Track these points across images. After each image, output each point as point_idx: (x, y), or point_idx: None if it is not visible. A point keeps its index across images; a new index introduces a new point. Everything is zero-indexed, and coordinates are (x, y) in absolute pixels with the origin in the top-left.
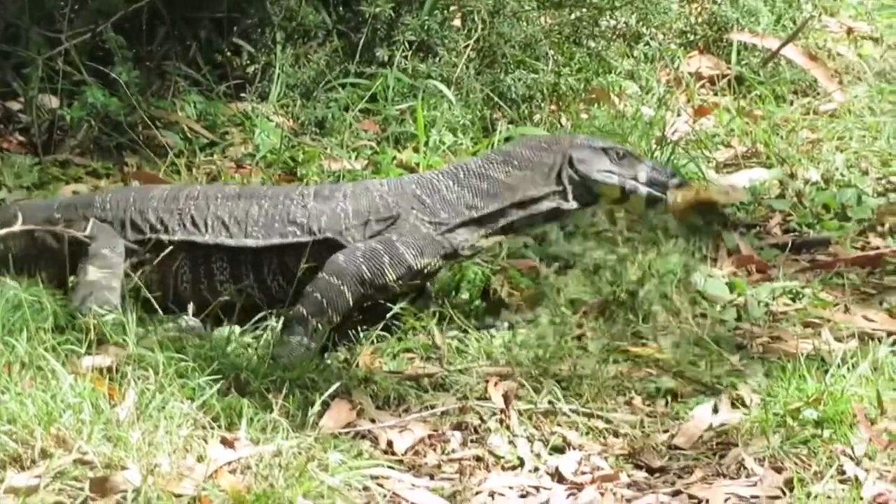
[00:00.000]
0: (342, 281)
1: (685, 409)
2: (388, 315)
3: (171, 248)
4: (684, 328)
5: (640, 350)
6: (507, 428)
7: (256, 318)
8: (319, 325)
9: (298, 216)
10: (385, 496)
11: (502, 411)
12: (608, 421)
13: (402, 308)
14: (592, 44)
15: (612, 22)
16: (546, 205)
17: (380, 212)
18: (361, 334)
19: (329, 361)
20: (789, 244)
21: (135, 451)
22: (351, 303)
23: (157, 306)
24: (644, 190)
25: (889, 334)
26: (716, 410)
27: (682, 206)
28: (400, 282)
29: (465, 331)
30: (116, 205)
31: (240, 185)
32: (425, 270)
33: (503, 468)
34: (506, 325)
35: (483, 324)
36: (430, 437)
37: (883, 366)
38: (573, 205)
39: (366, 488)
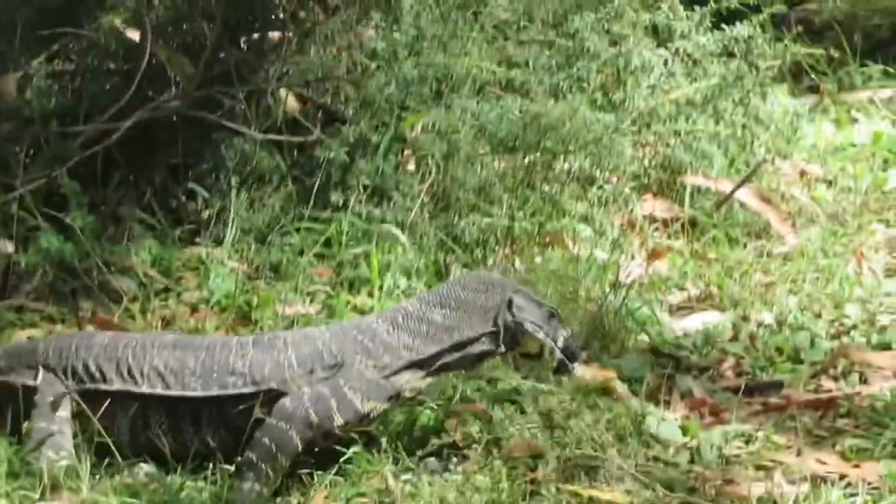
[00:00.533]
0: (290, 425)
1: None
2: (342, 460)
3: (108, 398)
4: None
5: (596, 493)
6: None
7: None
8: (269, 471)
9: (239, 366)
10: None
11: None
12: None
13: (354, 452)
14: (546, 188)
15: (566, 165)
16: (479, 347)
17: (324, 359)
18: (315, 479)
19: None
20: (742, 387)
21: None
22: (300, 447)
23: (115, 451)
24: (558, 354)
25: (841, 477)
26: None
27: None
28: (347, 426)
29: (418, 475)
30: (59, 352)
31: (177, 335)
32: (371, 414)
33: None
34: (434, 470)
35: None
36: None
37: None
38: (502, 349)
39: None
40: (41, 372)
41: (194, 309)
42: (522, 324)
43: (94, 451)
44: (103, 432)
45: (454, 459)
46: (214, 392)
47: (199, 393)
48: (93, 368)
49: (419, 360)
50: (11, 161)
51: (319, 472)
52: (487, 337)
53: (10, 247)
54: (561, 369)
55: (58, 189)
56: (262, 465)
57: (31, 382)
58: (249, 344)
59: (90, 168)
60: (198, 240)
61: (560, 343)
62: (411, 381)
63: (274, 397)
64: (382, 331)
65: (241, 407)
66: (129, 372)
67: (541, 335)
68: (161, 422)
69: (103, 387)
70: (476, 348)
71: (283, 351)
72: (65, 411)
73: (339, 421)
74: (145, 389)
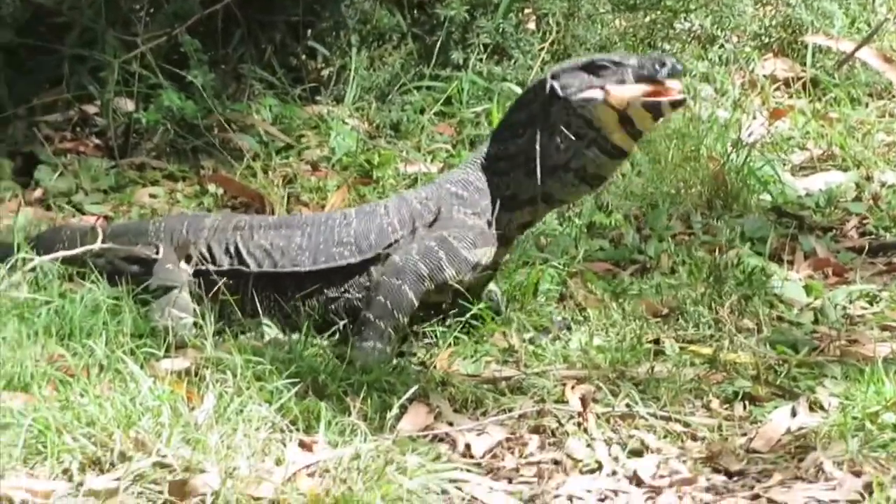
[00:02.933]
0: (402, 280)
1: (763, 413)
2: (467, 316)
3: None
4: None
5: (719, 353)
6: (585, 431)
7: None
8: (388, 328)
9: (345, 237)
10: (463, 499)
11: (580, 414)
12: (686, 424)
13: (479, 310)
14: (667, 46)
15: (687, 24)
16: (564, 156)
17: (424, 216)
18: (439, 336)
19: (406, 364)
20: (866, 247)
21: (213, 454)
22: (415, 301)
23: (236, 309)
24: (638, 101)
25: None
26: (794, 414)
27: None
28: (460, 276)
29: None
30: (170, 234)
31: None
32: (482, 262)
33: (581, 472)
34: (558, 330)
35: (540, 329)
36: (507, 440)
37: None
38: (585, 150)
39: (444, 491)
40: (161, 245)
41: (315, 167)
42: (568, 99)
43: (216, 314)
44: (228, 296)
45: (553, 320)
46: (322, 265)
47: (308, 267)
48: (204, 251)
49: (511, 195)
50: (132, 19)
51: (444, 330)
52: (564, 144)
53: (130, 105)
54: (652, 111)
55: (178, 47)
56: (380, 323)
57: (152, 255)
58: (352, 215)
59: (210, 26)
60: (318, 98)
61: (630, 76)
62: (514, 218)
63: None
64: (472, 177)
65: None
66: (238, 251)
67: (596, 94)
68: (267, 296)
69: (214, 268)
70: (562, 158)
71: (384, 216)
72: (184, 280)
73: (450, 271)
74: (254, 268)
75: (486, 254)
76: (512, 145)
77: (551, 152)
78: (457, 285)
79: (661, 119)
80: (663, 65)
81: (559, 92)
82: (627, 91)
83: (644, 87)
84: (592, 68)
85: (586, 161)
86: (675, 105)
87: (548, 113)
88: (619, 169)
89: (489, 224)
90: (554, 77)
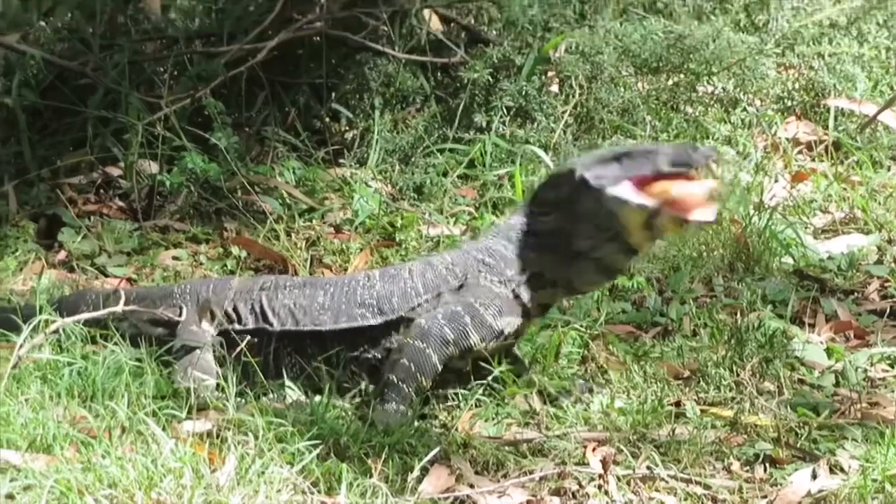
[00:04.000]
0: (427, 343)
1: (783, 475)
2: (488, 379)
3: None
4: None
5: (741, 416)
6: (606, 493)
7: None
8: (411, 391)
9: (367, 298)
10: None
11: (601, 476)
12: (707, 486)
13: (500, 373)
14: (690, 109)
15: (710, 87)
16: (586, 245)
17: (449, 282)
18: (460, 399)
19: (428, 426)
20: (887, 310)
21: None
22: (438, 366)
23: (258, 371)
24: (666, 212)
25: None
26: (814, 476)
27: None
28: (484, 343)
29: (563, 396)
30: (195, 296)
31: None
32: (506, 331)
33: None
34: (580, 392)
35: (562, 391)
36: (528, 502)
37: None
38: (606, 243)
39: None
40: (185, 308)
41: (338, 229)
42: (602, 192)
43: (239, 375)
44: (250, 358)
45: (575, 381)
46: (344, 325)
47: (329, 327)
48: (229, 311)
49: (538, 272)
50: (156, 81)
51: (466, 392)
52: (594, 233)
53: (154, 167)
54: (681, 223)
55: (202, 109)
56: (403, 386)
57: (175, 317)
58: (376, 277)
59: (234, 88)
60: (342, 160)
61: (665, 164)
62: (537, 297)
63: (405, 327)
64: (500, 247)
65: (371, 340)
66: (262, 311)
67: (625, 191)
68: (290, 356)
69: (238, 327)
70: (585, 246)
71: (408, 280)
72: (208, 341)
73: (475, 338)
74: (277, 327)
75: (511, 323)
76: (541, 223)
77: (576, 239)
78: (482, 351)
79: (686, 227)
80: (696, 150)
81: (592, 182)
82: (663, 185)
83: (682, 184)
84: (624, 158)
85: (607, 254)
86: (704, 224)
87: (576, 200)
88: (631, 264)
89: (515, 294)
90: (585, 167)
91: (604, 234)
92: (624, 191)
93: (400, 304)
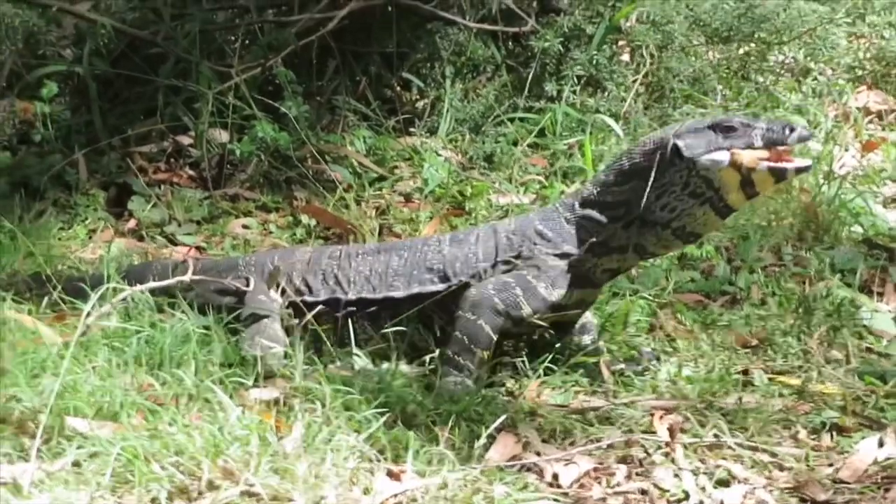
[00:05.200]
0: (477, 315)
1: (850, 444)
2: (556, 347)
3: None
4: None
5: (808, 385)
6: (673, 461)
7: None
8: (469, 363)
9: (435, 263)
10: None
11: (667, 444)
12: (773, 454)
13: (567, 341)
14: (760, 78)
15: (781, 57)
16: (666, 215)
17: (505, 252)
18: (528, 366)
19: (495, 394)
20: None
21: (301, 483)
22: (493, 336)
23: (326, 340)
24: (764, 165)
25: None
26: (881, 445)
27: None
28: (537, 315)
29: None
30: (261, 269)
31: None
32: (563, 302)
33: (668, 501)
34: (647, 362)
35: (629, 361)
36: (595, 470)
37: None
38: (695, 209)
39: None
40: (252, 278)
41: (408, 198)
42: (696, 160)
43: (308, 345)
44: (319, 331)
45: (642, 352)
46: (416, 290)
47: (402, 293)
48: (298, 283)
49: (601, 241)
50: (226, 50)
51: (533, 360)
52: (671, 198)
53: (225, 136)
54: (777, 176)
55: (272, 78)
56: (460, 359)
57: (242, 287)
58: (447, 241)
59: (305, 57)
60: (412, 129)
61: (758, 142)
62: (600, 264)
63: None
64: (562, 218)
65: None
66: (336, 281)
67: (723, 156)
68: (363, 323)
69: (309, 299)
70: (664, 217)
71: (472, 245)
72: (275, 310)
73: (527, 309)
74: (351, 295)
75: (566, 295)
76: (613, 194)
77: (655, 209)
78: (538, 322)
79: (783, 183)
80: (792, 130)
81: (684, 152)
82: (755, 154)
83: (767, 153)
84: (719, 129)
85: (691, 220)
86: (801, 171)
87: (664, 171)
88: (718, 227)
89: (572, 266)
90: (678, 136)
91: (697, 200)
92: (721, 154)
93: (462, 269)
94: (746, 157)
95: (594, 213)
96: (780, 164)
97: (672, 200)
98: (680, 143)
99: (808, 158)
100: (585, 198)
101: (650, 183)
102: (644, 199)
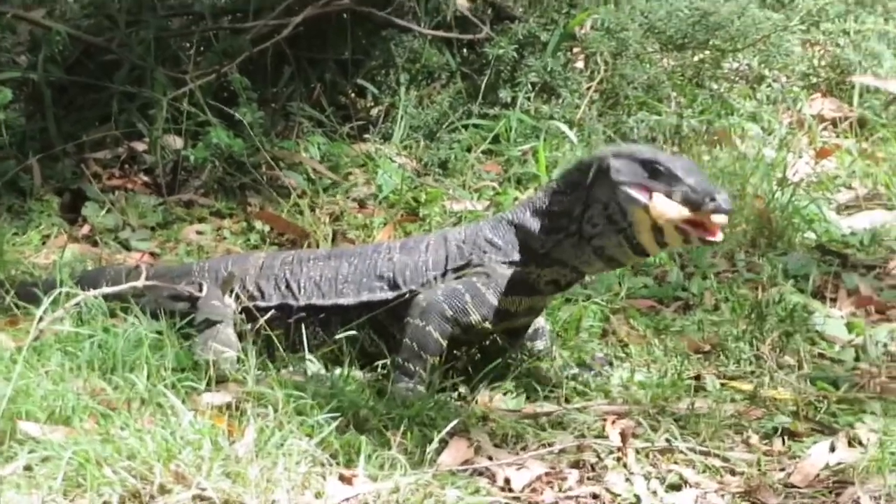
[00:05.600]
0: (426, 321)
1: (802, 448)
2: (507, 354)
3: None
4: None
5: (760, 390)
6: (625, 466)
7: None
8: (419, 369)
9: (385, 271)
10: None
11: (619, 449)
12: (725, 459)
13: (520, 346)
14: (715, 86)
15: (735, 64)
16: (589, 231)
17: (456, 260)
18: (480, 372)
19: (447, 399)
20: None
21: (253, 487)
22: (442, 342)
23: (279, 346)
24: (672, 223)
25: None
26: (832, 449)
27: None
28: (487, 322)
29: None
30: (214, 274)
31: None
32: (512, 310)
33: None
34: (600, 367)
35: (581, 367)
36: (547, 474)
37: None
38: (611, 234)
39: None
40: (205, 284)
41: (362, 205)
42: (616, 185)
43: (260, 349)
44: (272, 336)
45: (594, 357)
46: (365, 298)
47: (351, 300)
48: (251, 288)
49: (545, 253)
50: (181, 57)
51: (486, 365)
52: (596, 219)
53: (179, 142)
54: (685, 237)
55: (227, 85)
56: (410, 365)
57: (196, 292)
58: (396, 248)
59: (260, 64)
60: (367, 136)
61: (677, 195)
62: (544, 275)
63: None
64: (510, 227)
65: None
66: (288, 286)
67: (640, 197)
68: (314, 329)
69: (262, 304)
70: (588, 232)
71: (423, 254)
72: (228, 315)
73: (475, 316)
74: (302, 301)
75: (515, 302)
76: (557, 203)
77: (583, 220)
78: (488, 328)
79: (691, 244)
80: (713, 199)
81: (612, 174)
82: (668, 209)
83: (685, 212)
84: (650, 166)
85: (608, 244)
86: (706, 244)
87: (593, 185)
88: (637, 262)
89: (521, 274)
90: (615, 156)
91: (612, 226)
92: (638, 193)
93: (412, 277)
94: (658, 209)
95: (540, 223)
96: (686, 228)
97: (595, 216)
98: (613, 163)
99: (720, 234)
100: (535, 207)
101: (583, 193)
102: (576, 212)
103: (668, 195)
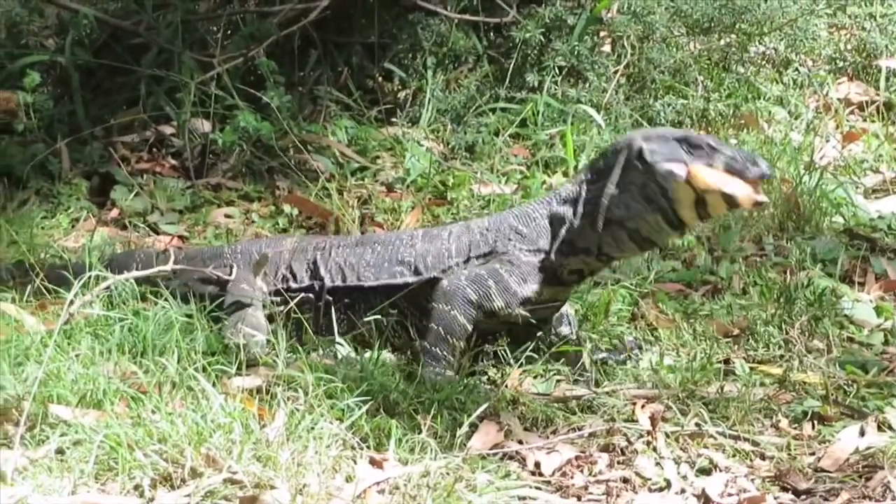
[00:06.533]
0: (451, 305)
1: (832, 433)
2: (537, 335)
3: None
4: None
5: (790, 374)
6: (654, 450)
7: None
8: (445, 353)
9: (406, 257)
10: None
11: (649, 433)
12: (755, 443)
13: (548, 332)
14: (742, 69)
15: (762, 48)
16: (634, 222)
17: (479, 248)
18: (510, 356)
19: (477, 382)
20: None
21: (284, 470)
22: (468, 326)
23: (309, 328)
24: (717, 187)
25: None
26: (862, 434)
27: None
28: (510, 309)
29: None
30: (246, 257)
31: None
32: (535, 298)
33: (650, 490)
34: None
35: (611, 351)
36: (577, 458)
37: None
38: (648, 214)
39: None
40: (235, 267)
41: (390, 188)
42: (653, 165)
43: (290, 332)
44: (302, 318)
45: (624, 341)
46: (384, 281)
47: (372, 283)
48: (284, 270)
49: (571, 240)
50: (209, 40)
51: (515, 348)
52: (631, 202)
53: (207, 126)
54: (731, 201)
55: (255, 68)
56: (436, 350)
57: (226, 276)
58: (419, 236)
59: (287, 48)
60: (394, 120)
61: (720, 164)
62: (571, 264)
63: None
64: (537, 215)
65: (408, 296)
66: (317, 269)
67: (681, 171)
68: (340, 310)
69: (294, 285)
70: (622, 215)
71: (445, 241)
72: (257, 298)
73: (499, 302)
74: (328, 283)
75: (538, 291)
76: (588, 191)
77: (613, 206)
78: (514, 316)
79: (735, 210)
80: (755, 164)
81: (647, 155)
82: (712, 176)
83: (728, 178)
84: (686, 143)
85: (645, 225)
86: (755, 205)
87: (627, 170)
88: (673, 239)
89: (544, 263)
90: (646, 139)
91: (650, 206)
92: (678, 167)
93: (434, 264)
94: (702, 177)
95: (567, 211)
96: (735, 192)
97: (629, 199)
98: (645, 146)
99: (764, 195)
100: (564, 196)
101: (612, 178)
102: (605, 195)
103: (709, 166)
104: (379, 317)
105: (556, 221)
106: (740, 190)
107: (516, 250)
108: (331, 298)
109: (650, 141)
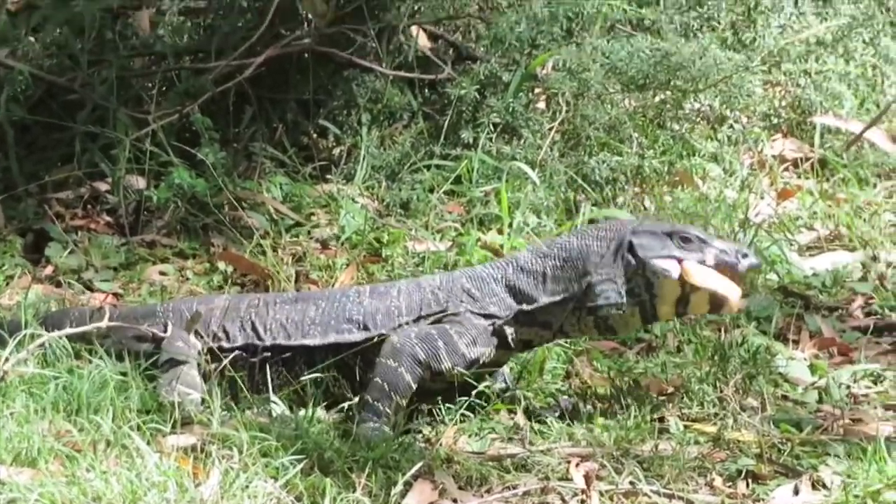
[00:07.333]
0: (398, 362)
1: (766, 491)
2: (473, 393)
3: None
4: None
5: (724, 432)
6: None
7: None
8: (386, 409)
9: (354, 314)
10: None
11: (583, 492)
12: (689, 502)
13: (486, 387)
14: (676, 126)
15: (696, 105)
16: (597, 300)
17: (431, 307)
18: (444, 414)
19: (411, 441)
20: (871, 327)
21: None
22: (412, 384)
23: (244, 387)
24: (708, 288)
25: None
26: (796, 492)
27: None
28: (456, 370)
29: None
30: (179, 316)
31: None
32: (481, 360)
33: None
34: (564, 407)
35: (546, 407)
36: None
37: None
38: (614, 299)
39: None
40: (170, 324)
41: (325, 245)
42: (645, 261)
43: (224, 391)
44: (236, 377)
45: (559, 399)
46: (332, 339)
47: (318, 341)
48: (216, 329)
49: (528, 311)
50: (144, 97)
51: (450, 407)
52: (607, 288)
53: (142, 182)
54: (715, 305)
55: (190, 125)
56: (378, 405)
57: (160, 333)
58: (367, 292)
59: (222, 104)
60: (329, 176)
61: (710, 261)
62: (521, 333)
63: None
64: (491, 280)
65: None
66: (254, 327)
67: (672, 269)
68: (279, 371)
69: (226, 345)
70: (605, 311)
71: (395, 298)
72: (193, 356)
73: (446, 363)
74: (267, 341)
75: (485, 353)
76: (551, 268)
77: (593, 295)
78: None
79: (715, 313)
80: (745, 256)
81: (638, 251)
82: (705, 276)
83: (721, 279)
84: (676, 237)
85: (618, 315)
86: (739, 310)
87: (611, 261)
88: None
89: (495, 328)
90: (634, 233)
91: (631, 299)
92: (670, 265)
93: (383, 322)
94: (695, 276)
95: (526, 282)
96: (722, 293)
97: (608, 290)
98: (635, 240)
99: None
100: (522, 264)
101: (596, 267)
102: (585, 282)
103: (701, 261)
104: (319, 375)
105: (512, 290)
106: (732, 294)
107: (468, 313)
108: (269, 355)
109: (640, 235)
